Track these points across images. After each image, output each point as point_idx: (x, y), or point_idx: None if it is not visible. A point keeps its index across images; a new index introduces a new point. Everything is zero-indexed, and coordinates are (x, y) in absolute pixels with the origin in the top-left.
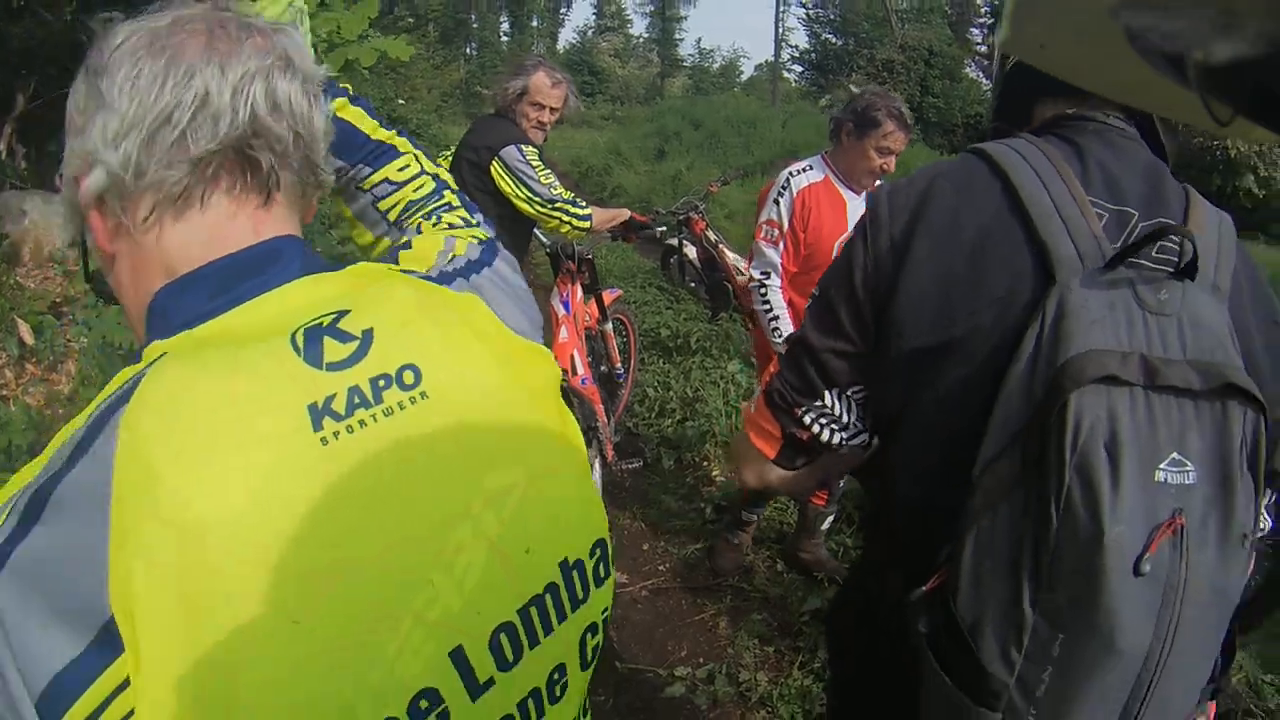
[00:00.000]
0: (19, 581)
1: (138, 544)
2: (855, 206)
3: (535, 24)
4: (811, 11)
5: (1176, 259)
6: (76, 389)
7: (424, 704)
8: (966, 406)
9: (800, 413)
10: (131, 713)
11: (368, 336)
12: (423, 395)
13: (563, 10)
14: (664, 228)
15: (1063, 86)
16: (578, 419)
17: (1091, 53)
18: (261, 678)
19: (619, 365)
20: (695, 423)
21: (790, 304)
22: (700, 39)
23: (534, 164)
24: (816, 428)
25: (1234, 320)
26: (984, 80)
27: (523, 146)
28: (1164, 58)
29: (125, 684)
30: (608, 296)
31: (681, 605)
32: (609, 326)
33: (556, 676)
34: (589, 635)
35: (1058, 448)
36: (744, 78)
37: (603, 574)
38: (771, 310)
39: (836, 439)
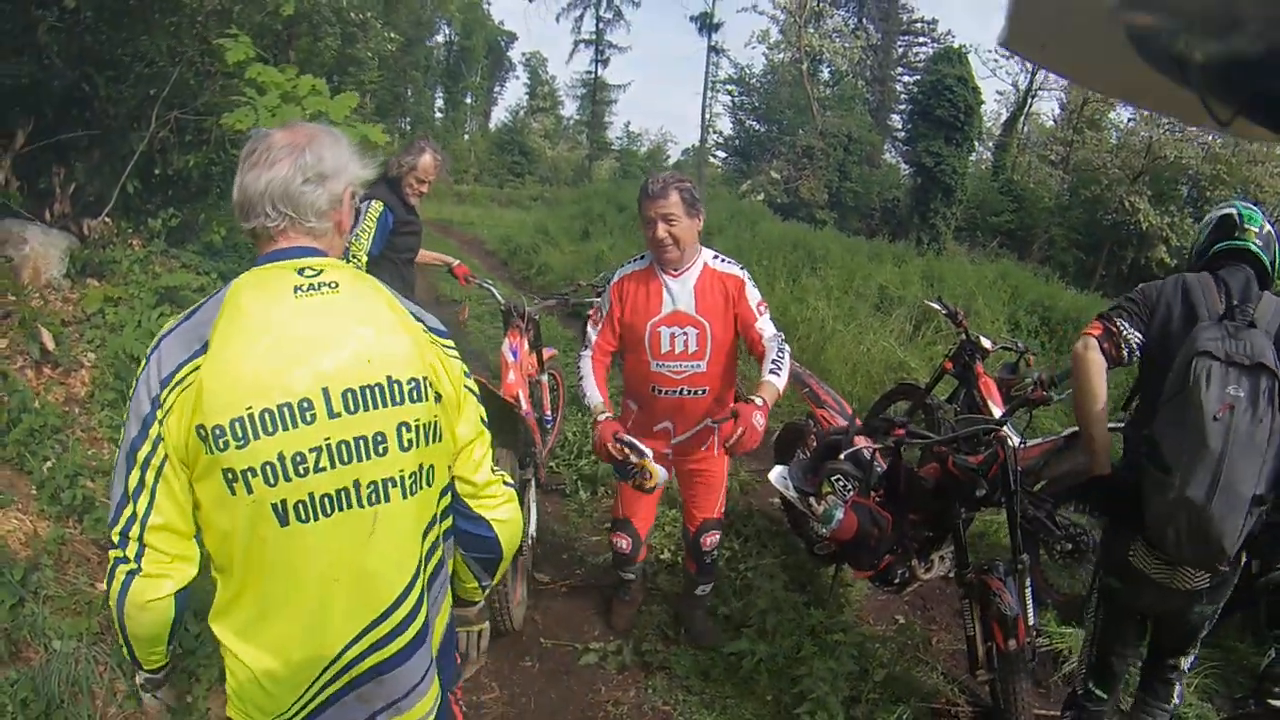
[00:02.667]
0: (174, 336)
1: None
2: (674, 285)
3: (469, 101)
4: (737, 99)
5: (1251, 319)
6: (92, 392)
7: (305, 405)
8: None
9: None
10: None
11: (326, 275)
12: (333, 287)
13: (496, 89)
14: (589, 298)
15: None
16: (521, 440)
17: (1091, 52)
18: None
19: (549, 412)
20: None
21: (621, 367)
22: (629, 123)
23: (366, 221)
24: (1125, 332)
25: (1275, 343)
26: (903, 165)
27: (373, 202)
28: (1164, 58)
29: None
30: (546, 353)
31: (595, 600)
32: (544, 378)
33: (379, 439)
34: (404, 429)
35: (1192, 380)
36: (670, 161)
37: (414, 395)
38: (579, 373)
39: (1135, 341)
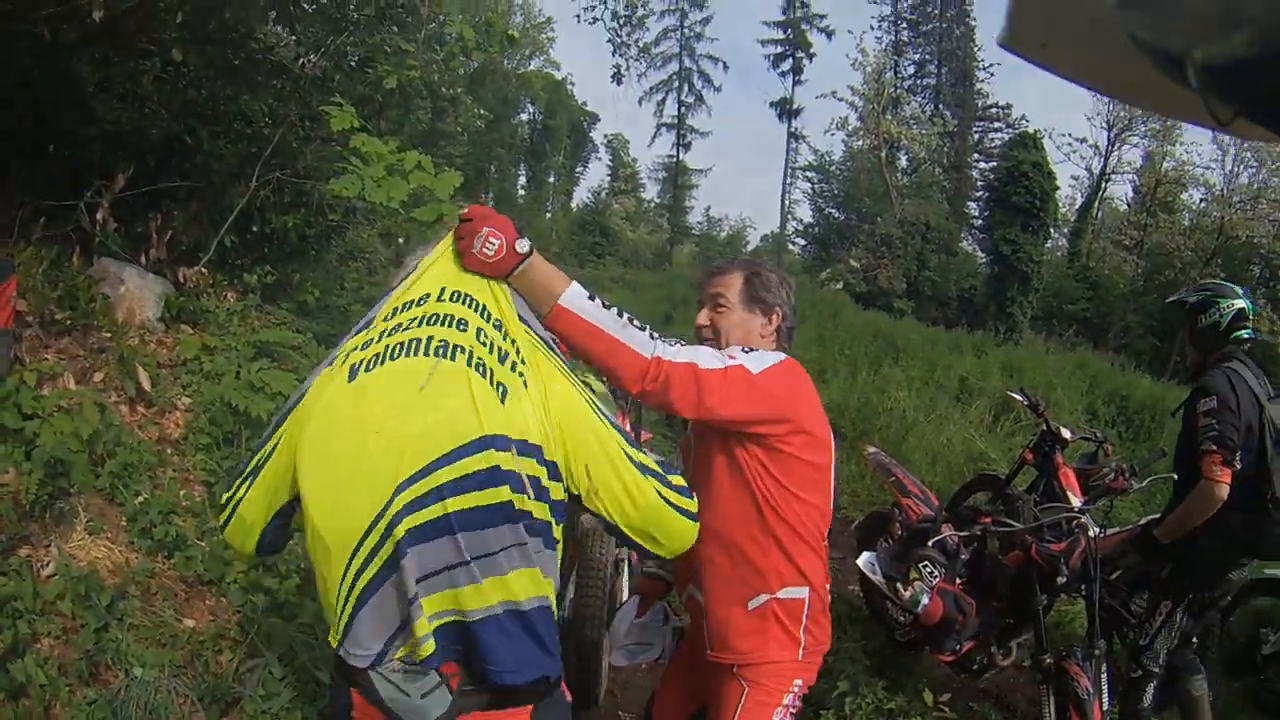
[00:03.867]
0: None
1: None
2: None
3: (552, 180)
4: (816, 186)
5: None
6: (187, 435)
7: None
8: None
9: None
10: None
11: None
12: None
13: (579, 169)
14: None
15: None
16: None
17: (1091, 52)
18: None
19: None
20: None
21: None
22: (709, 207)
23: None
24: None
25: None
26: (980, 253)
27: None
28: (1164, 58)
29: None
30: (643, 436)
31: None
32: None
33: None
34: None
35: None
36: (749, 248)
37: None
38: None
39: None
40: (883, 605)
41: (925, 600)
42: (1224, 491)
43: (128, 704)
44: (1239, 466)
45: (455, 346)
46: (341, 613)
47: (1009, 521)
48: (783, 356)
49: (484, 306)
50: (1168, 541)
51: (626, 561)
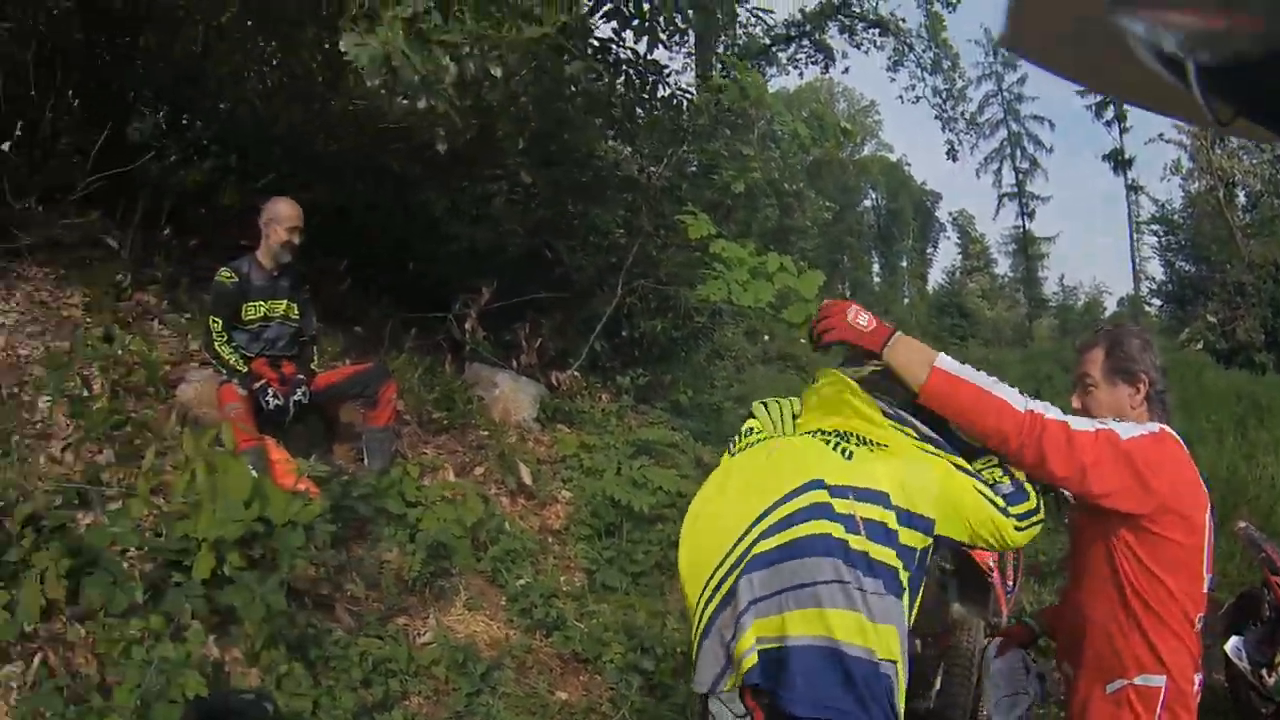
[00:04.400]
0: None
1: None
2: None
3: (904, 264)
4: (1163, 239)
5: None
6: (568, 525)
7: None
8: None
9: None
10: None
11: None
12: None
13: (929, 250)
14: None
15: None
16: (990, 609)
17: (1092, 53)
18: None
19: (1009, 581)
20: None
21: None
22: (1063, 275)
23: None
24: None
25: None
26: None
27: None
28: (1164, 58)
29: None
30: None
31: None
32: None
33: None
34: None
35: None
36: (1106, 314)
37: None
38: None
39: None
40: (1247, 695)
41: None
42: None
43: None
44: None
45: (814, 431)
46: (695, 645)
47: None
48: (1156, 427)
49: (849, 434)
50: None
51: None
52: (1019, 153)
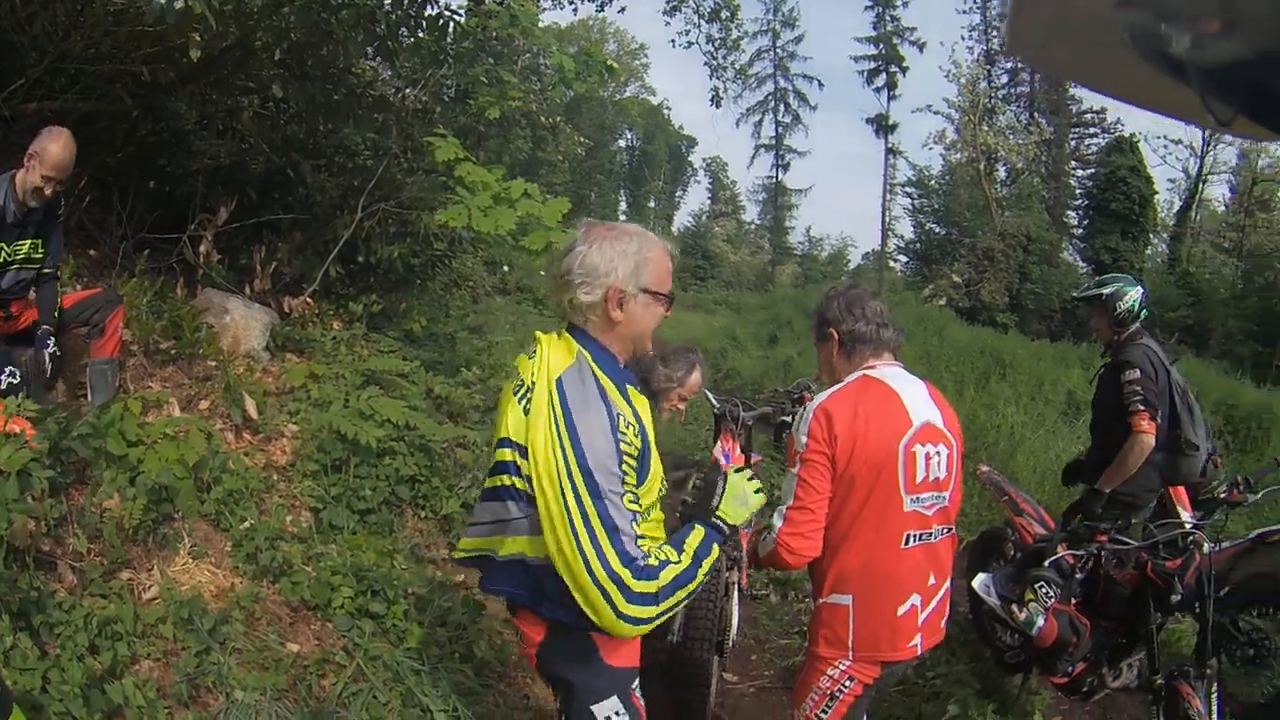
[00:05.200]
0: None
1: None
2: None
3: (653, 205)
4: (916, 201)
5: None
6: (294, 462)
7: None
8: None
9: None
10: None
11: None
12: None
13: (678, 194)
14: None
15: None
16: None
17: (1091, 53)
18: None
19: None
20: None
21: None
22: (810, 227)
23: None
24: None
25: None
26: (1081, 263)
27: None
28: (1164, 58)
29: None
30: (754, 458)
31: (782, 701)
32: None
33: None
34: None
35: None
36: (851, 266)
37: None
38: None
39: None
40: (991, 628)
41: (1041, 622)
42: (1151, 441)
43: None
44: (1160, 421)
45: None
46: None
47: (1126, 539)
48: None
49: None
50: (1109, 489)
51: (736, 585)
52: (783, 107)
